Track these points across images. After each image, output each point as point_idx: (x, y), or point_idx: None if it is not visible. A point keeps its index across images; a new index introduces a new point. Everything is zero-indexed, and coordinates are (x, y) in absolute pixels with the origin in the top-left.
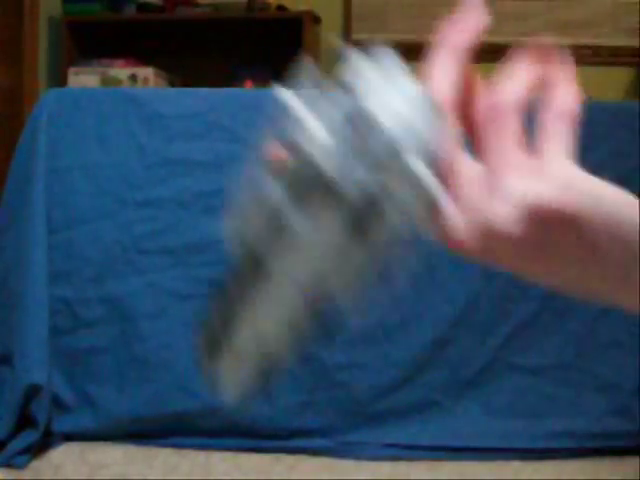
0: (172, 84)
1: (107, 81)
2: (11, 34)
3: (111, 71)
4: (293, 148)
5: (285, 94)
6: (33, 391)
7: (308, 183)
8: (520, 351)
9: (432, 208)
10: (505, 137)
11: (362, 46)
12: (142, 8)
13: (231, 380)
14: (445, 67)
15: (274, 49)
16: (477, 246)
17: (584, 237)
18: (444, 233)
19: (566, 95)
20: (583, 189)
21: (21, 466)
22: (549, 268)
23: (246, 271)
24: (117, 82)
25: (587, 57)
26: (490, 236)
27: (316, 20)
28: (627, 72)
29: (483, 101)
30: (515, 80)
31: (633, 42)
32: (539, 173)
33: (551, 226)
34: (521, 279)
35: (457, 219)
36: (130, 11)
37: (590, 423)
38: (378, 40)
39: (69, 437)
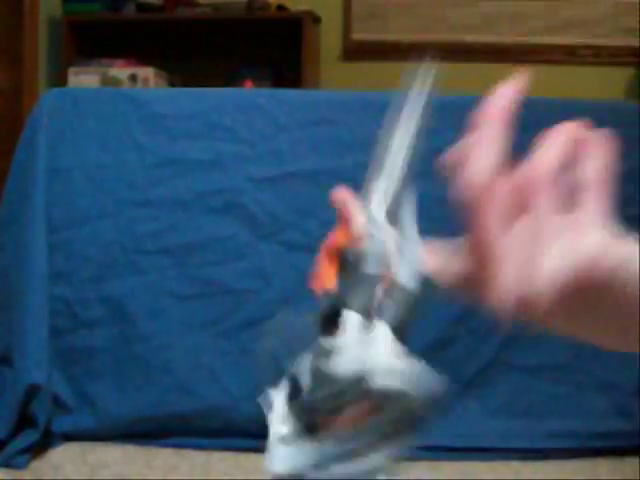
0: (172, 84)
1: (107, 81)
2: (11, 34)
3: (111, 71)
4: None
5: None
6: (33, 391)
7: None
8: (520, 351)
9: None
10: (543, 204)
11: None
12: (142, 8)
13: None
14: (486, 146)
15: (274, 49)
16: (515, 305)
17: (614, 302)
18: (489, 294)
19: (599, 163)
20: (615, 257)
21: (21, 466)
22: (578, 327)
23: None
24: (117, 82)
25: (587, 57)
26: (527, 299)
27: (316, 20)
28: (627, 72)
29: (521, 172)
30: (548, 153)
31: (633, 42)
32: (576, 240)
33: (585, 294)
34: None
35: (504, 283)
36: (130, 11)
37: (590, 423)
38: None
39: (69, 437)
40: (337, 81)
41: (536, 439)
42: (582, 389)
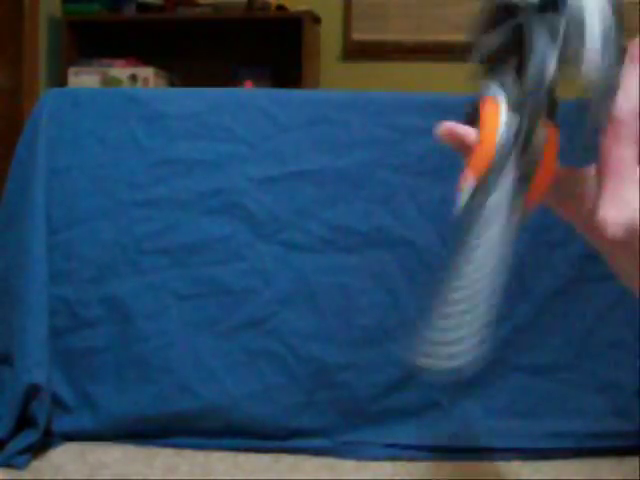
0: (172, 84)
1: (107, 81)
2: (11, 34)
3: (111, 71)
4: None
5: None
6: (33, 391)
7: None
8: (520, 351)
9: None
10: (623, 147)
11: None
12: (142, 8)
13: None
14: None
15: (274, 49)
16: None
17: None
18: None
19: None
20: None
21: (21, 466)
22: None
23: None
24: (117, 82)
25: None
26: (594, 230)
27: (316, 20)
28: None
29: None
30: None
31: None
32: None
33: None
34: (524, 276)
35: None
36: (130, 11)
37: (590, 423)
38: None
39: (69, 437)
40: (337, 81)
41: (536, 439)
42: (582, 389)
